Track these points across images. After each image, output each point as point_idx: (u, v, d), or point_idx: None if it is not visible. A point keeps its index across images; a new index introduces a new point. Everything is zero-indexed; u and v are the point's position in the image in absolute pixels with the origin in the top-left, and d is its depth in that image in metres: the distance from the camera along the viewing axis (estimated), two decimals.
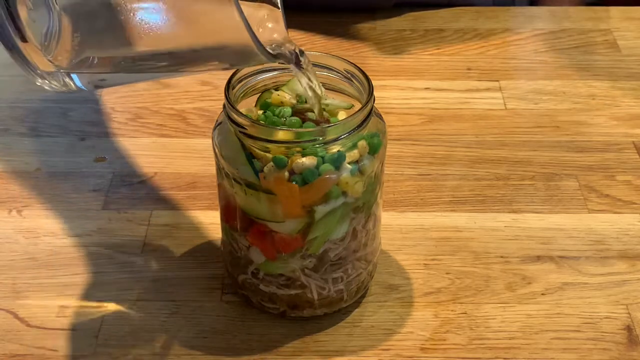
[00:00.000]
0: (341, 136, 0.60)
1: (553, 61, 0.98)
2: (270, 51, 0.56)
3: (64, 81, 0.58)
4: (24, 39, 0.54)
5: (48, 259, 0.73)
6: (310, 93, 0.62)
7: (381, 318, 0.68)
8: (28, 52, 0.55)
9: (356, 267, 0.66)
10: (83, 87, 0.59)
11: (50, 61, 0.55)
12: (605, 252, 0.74)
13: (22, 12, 0.54)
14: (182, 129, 0.87)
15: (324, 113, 0.64)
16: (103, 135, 0.86)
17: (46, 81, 0.58)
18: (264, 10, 0.59)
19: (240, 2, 0.51)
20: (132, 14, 0.54)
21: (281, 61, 0.60)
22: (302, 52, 0.60)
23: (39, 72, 0.56)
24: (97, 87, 0.62)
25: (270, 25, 0.59)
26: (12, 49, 0.55)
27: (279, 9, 0.59)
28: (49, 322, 0.68)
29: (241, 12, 0.51)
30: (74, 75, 0.58)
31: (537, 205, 0.79)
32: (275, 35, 0.59)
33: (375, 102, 0.63)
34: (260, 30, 0.58)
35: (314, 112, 0.64)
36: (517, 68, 0.97)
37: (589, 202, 0.79)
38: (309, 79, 0.61)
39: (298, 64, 0.60)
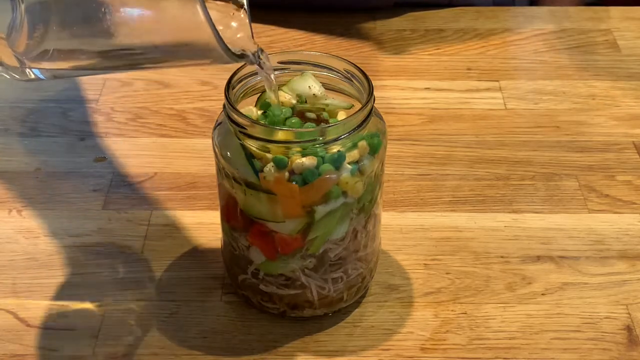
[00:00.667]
0: (341, 136, 0.60)
1: (553, 61, 0.98)
2: (234, 51, 0.56)
3: (23, 71, 0.58)
4: None
5: (48, 259, 0.73)
6: (272, 95, 0.62)
7: (381, 318, 0.68)
8: None
9: (356, 267, 0.66)
10: (42, 77, 0.59)
11: (15, 54, 0.55)
12: (605, 252, 0.74)
13: None
14: (182, 129, 0.87)
15: (323, 113, 0.64)
16: (103, 135, 0.86)
17: (7, 70, 0.58)
18: (229, 10, 0.59)
19: (205, 1, 0.52)
20: (98, 9, 0.55)
21: (244, 61, 0.60)
22: (262, 51, 0.60)
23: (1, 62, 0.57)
24: (56, 77, 0.62)
25: (235, 25, 0.59)
26: None
27: (243, 7, 0.59)
28: (49, 322, 0.68)
29: (206, 11, 0.51)
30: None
31: (537, 205, 0.79)
32: (239, 35, 0.59)
33: (375, 102, 0.63)
34: (222, 29, 0.58)
35: (313, 112, 0.64)
36: (517, 68, 0.97)
37: (589, 202, 0.79)
38: (269, 80, 0.61)
39: (259, 64, 0.60)
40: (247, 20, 0.59)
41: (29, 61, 0.57)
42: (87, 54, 0.58)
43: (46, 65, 0.58)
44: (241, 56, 0.59)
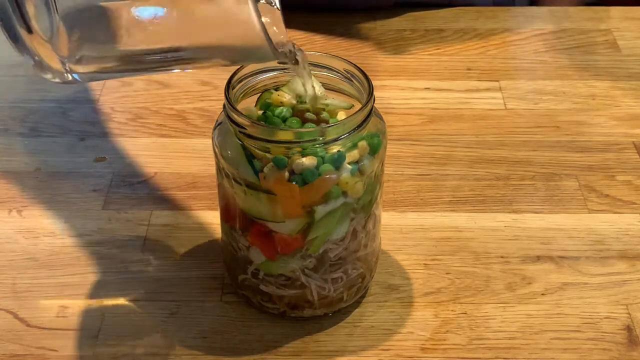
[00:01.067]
0: (341, 136, 0.60)
1: (553, 61, 0.98)
2: (279, 49, 0.56)
3: (63, 74, 0.58)
4: (30, 31, 0.54)
5: (48, 259, 0.73)
6: (308, 91, 0.62)
7: (381, 318, 0.68)
8: (34, 44, 0.55)
9: (356, 267, 0.66)
10: (79, 80, 0.59)
11: (57, 54, 0.56)
12: (605, 252, 0.74)
13: (30, 7, 0.54)
14: (182, 129, 0.87)
15: (323, 113, 0.64)
16: (103, 135, 0.86)
17: (49, 74, 0.58)
18: (264, 10, 0.59)
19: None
20: (137, 15, 0.55)
21: (283, 60, 0.60)
22: (294, 45, 0.61)
23: (44, 64, 0.57)
24: (92, 79, 0.62)
25: (275, 27, 0.59)
26: (17, 40, 0.55)
27: (279, 10, 0.59)
28: (49, 322, 0.68)
29: (259, 15, 0.52)
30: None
31: (537, 205, 0.79)
32: (281, 37, 0.59)
33: (375, 102, 0.63)
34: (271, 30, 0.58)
35: (313, 112, 0.64)
36: (517, 68, 0.97)
37: (589, 202, 0.79)
38: (306, 77, 0.61)
39: (296, 63, 0.60)
40: (282, 20, 0.59)
41: (71, 64, 0.57)
42: (124, 56, 0.58)
43: (84, 69, 0.58)
44: (284, 55, 0.59)
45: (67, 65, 0.57)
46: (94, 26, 0.56)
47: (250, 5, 0.52)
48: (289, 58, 0.60)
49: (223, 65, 0.61)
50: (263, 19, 0.53)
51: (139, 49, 0.57)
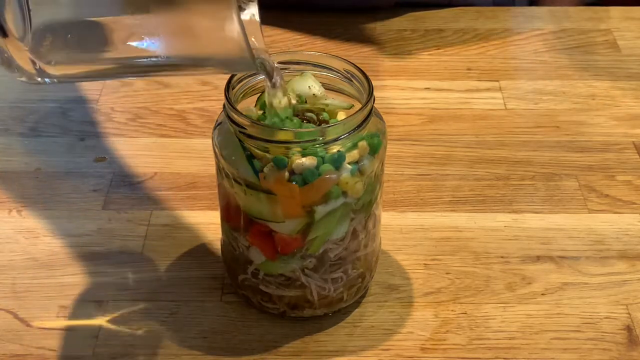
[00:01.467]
0: (341, 136, 0.60)
1: (553, 61, 0.98)
2: (256, 62, 0.57)
3: (33, 75, 0.58)
4: (4, 34, 0.55)
5: (48, 259, 0.73)
6: (282, 103, 0.62)
7: (381, 318, 0.68)
8: (8, 46, 0.55)
9: (356, 267, 0.66)
10: (48, 81, 0.59)
11: (28, 54, 0.56)
12: (605, 252, 0.74)
13: (8, 14, 0.54)
14: (182, 129, 0.87)
15: (323, 113, 0.64)
16: (103, 135, 0.86)
17: (17, 72, 0.58)
18: (245, 22, 0.59)
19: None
20: (123, 30, 0.55)
21: (261, 72, 0.60)
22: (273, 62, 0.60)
23: (14, 63, 0.57)
24: (62, 82, 0.62)
25: (253, 37, 0.58)
26: None
27: (257, 20, 0.59)
28: (49, 322, 0.68)
29: (242, 26, 0.51)
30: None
31: (537, 205, 0.79)
32: (252, 39, 0.59)
33: (375, 102, 0.63)
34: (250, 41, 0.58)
35: (313, 112, 0.64)
36: (517, 68, 0.97)
37: (589, 202, 0.79)
38: (278, 89, 0.61)
39: (268, 74, 0.60)
40: (261, 31, 0.58)
41: (43, 65, 0.57)
42: (102, 63, 0.58)
43: (56, 71, 0.58)
44: (261, 66, 0.59)
45: (37, 65, 0.57)
46: (70, 34, 0.56)
47: (235, 19, 0.52)
48: (268, 72, 0.60)
49: (198, 74, 0.61)
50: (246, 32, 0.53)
51: (116, 58, 0.57)
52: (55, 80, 0.59)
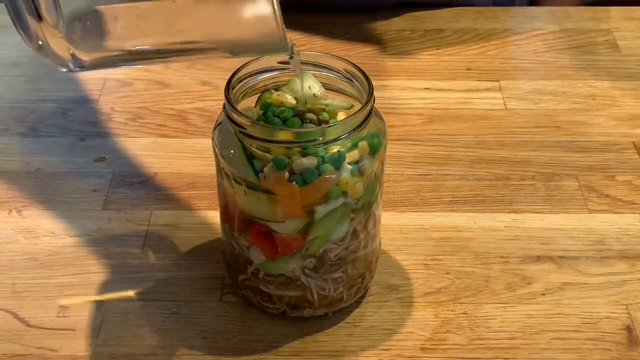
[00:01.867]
0: (341, 136, 0.60)
1: (553, 61, 0.98)
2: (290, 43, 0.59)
3: (66, 62, 0.59)
4: (39, 18, 0.55)
5: (48, 259, 0.73)
6: (304, 89, 0.63)
7: (381, 318, 0.68)
8: (42, 30, 0.56)
9: (356, 267, 0.66)
10: (81, 68, 0.60)
11: (64, 41, 0.57)
12: (605, 252, 0.74)
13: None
14: (182, 129, 0.87)
15: (323, 113, 0.64)
16: (103, 135, 0.86)
17: (51, 60, 0.59)
18: None
19: None
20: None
21: (289, 52, 0.61)
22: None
23: (49, 50, 0.58)
24: (95, 68, 0.64)
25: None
26: (23, 24, 0.56)
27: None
28: (49, 322, 0.68)
29: (279, 10, 0.53)
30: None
31: (537, 205, 0.79)
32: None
33: (375, 102, 0.63)
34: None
35: (313, 113, 0.64)
36: (517, 68, 0.97)
37: (589, 202, 0.79)
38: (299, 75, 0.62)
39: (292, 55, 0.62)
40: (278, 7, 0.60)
41: (77, 52, 0.58)
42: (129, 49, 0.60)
43: (89, 57, 0.59)
44: (291, 49, 0.61)
45: (71, 51, 0.57)
46: (99, 21, 0.57)
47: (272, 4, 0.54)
48: (292, 54, 0.61)
49: (222, 57, 0.62)
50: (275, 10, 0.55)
51: (147, 42, 0.58)
52: (86, 65, 0.60)
